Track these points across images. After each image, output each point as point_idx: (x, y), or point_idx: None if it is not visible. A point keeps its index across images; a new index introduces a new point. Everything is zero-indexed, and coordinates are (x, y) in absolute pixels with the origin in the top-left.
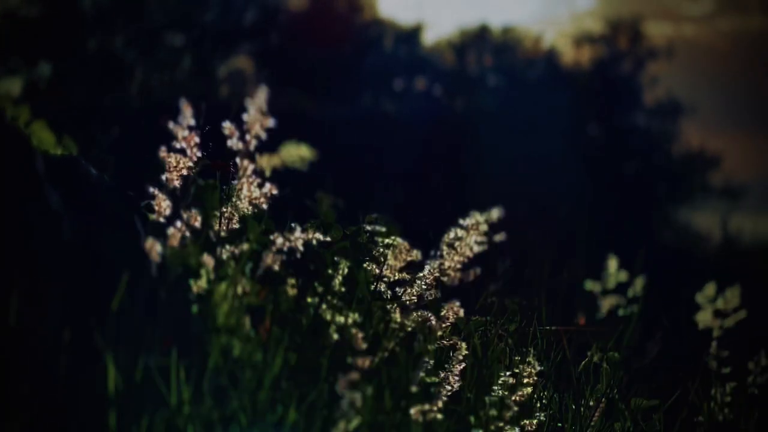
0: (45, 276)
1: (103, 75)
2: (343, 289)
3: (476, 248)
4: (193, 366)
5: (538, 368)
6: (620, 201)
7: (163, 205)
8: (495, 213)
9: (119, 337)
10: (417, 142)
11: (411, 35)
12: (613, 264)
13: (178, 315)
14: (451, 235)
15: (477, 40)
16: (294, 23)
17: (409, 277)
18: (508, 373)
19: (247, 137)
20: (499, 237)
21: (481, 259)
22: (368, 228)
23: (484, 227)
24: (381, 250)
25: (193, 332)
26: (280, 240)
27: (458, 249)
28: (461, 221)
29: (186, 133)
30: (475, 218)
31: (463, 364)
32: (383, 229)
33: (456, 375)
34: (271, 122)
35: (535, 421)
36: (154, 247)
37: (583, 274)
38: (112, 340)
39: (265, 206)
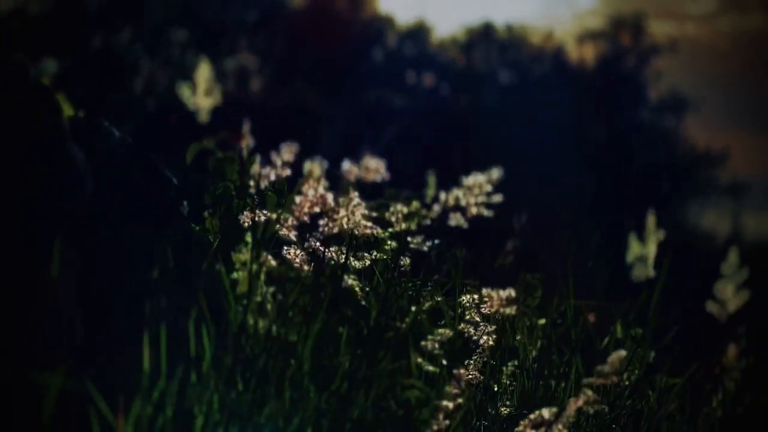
0: (67, 231)
1: (107, 72)
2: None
3: (476, 210)
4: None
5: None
6: (624, 197)
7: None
8: (495, 173)
9: (141, 298)
10: (423, 137)
11: (416, 32)
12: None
13: (204, 280)
14: (451, 196)
15: (482, 37)
16: (298, 19)
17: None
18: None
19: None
20: (497, 198)
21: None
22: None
23: (486, 188)
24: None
25: (218, 299)
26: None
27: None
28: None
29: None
30: (476, 179)
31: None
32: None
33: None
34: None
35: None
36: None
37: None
38: (135, 300)
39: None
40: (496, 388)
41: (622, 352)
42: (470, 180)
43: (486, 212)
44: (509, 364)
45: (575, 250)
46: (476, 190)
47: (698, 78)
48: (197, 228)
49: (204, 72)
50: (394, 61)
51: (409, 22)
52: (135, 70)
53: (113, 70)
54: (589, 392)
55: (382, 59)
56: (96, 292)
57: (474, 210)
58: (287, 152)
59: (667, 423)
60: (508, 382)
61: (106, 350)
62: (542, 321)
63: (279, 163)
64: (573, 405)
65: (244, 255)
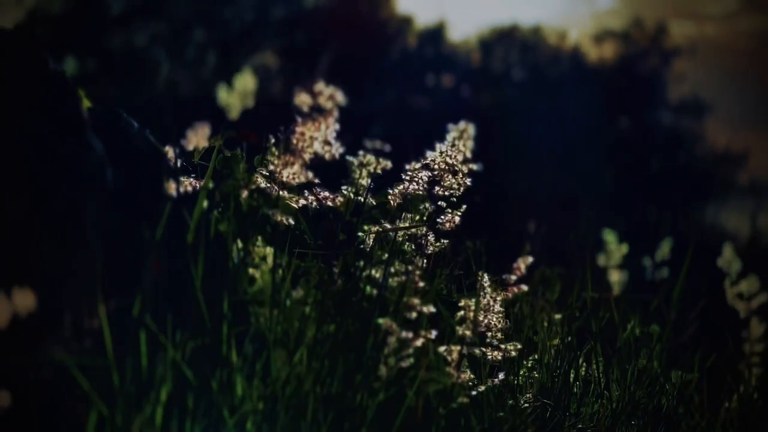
0: (88, 221)
1: (127, 71)
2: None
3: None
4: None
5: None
6: (642, 196)
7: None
8: (469, 129)
9: (158, 291)
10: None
11: (435, 33)
12: (611, 239)
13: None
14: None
15: (502, 38)
16: (320, 19)
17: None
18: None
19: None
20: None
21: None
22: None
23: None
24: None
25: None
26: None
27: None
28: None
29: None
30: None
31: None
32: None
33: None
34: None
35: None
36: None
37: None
38: (156, 287)
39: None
40: (515, 382)
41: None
42: (447, 143)
43: (475, 167)
44: (529, 358)
45: (593, 245)
46: (454, 149)
47: (718, 78)
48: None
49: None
50: (414, 62)
51: (428, 23)
52: (155, 70)
53: (133, 70)
54: None
55: (401, 59)
56: (117, 281)
57: (465, 169)
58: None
59: (685, 419)
60: (526, 376)
61: (124, 337)
62: (558, 316)
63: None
64: None
65: (262, 251)
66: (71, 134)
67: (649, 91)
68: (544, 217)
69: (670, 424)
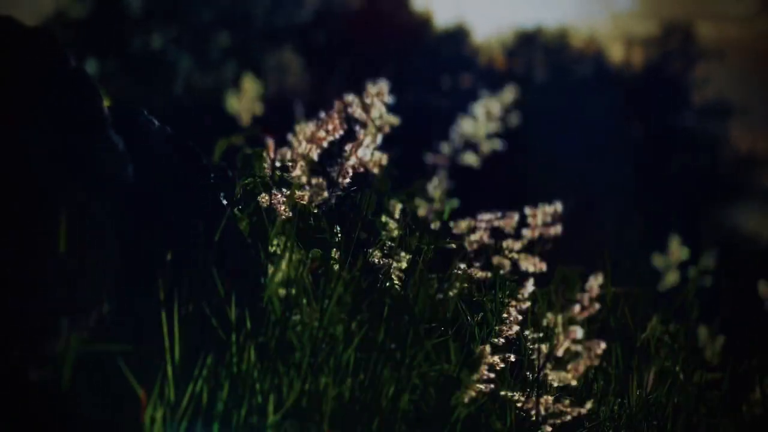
0: (109, 218)
1: (147, 73)
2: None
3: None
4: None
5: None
6: (666, 200)
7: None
8: (508, 94)
9: (181, 283)
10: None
11: (456, 35)
12: (675, 242)
13: (240, 266)
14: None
15: (525, 40)
16: (343, 21)
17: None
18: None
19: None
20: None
21: None
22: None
23: (496, 112)
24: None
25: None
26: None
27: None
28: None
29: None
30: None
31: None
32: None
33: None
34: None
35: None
36: None
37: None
38: (174, 285)
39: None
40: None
41: (599, 278)
42: (480, 109)
43: (497, 145)
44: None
45: (614, 244)
46: (487, 116)
47: (742, 80)
48: (238, 215)
49: (249, 86)
50: (435, 64)
51: (449, 25)
52: (175, 72)
53: (153, 72)
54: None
55: (423, 61)
56: (137, 276)
57: (486, 147)
58: (302, 132)
59: (706, 419)
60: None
61: (141, 332)
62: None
63: (300, 141)
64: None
65: (283, 243)
66: (92, 131)
67: (674, 95)
68: (567, 216)
69: (691, 425)
